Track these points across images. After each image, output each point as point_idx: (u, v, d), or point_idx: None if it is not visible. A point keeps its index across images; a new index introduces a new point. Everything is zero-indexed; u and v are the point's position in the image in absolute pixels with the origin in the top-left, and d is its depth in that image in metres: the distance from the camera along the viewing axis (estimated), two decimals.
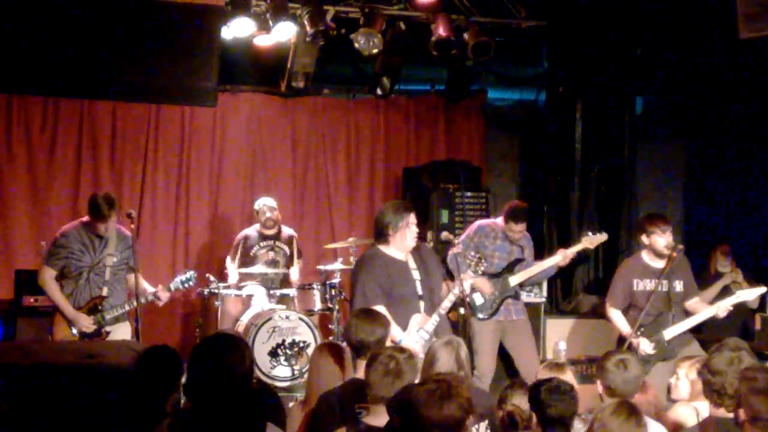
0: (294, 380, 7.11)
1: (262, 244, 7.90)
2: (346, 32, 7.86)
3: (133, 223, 6.15)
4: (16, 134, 8.24)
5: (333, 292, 7.63)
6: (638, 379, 4.18)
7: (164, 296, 6.28)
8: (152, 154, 8.61)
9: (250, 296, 7.54)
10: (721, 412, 3.78)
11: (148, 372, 3.74)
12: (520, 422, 3.92)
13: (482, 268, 5.85)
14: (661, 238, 6.08)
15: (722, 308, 6.00)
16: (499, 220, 6.77)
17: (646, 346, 5.95)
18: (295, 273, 7.85)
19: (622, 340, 6.12)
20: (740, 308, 6.48)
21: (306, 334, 7.19)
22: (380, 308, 5.10)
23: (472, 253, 5.84)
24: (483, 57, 8.16)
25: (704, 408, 4.05)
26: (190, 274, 6.46)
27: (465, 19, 8.20)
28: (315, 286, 7.73)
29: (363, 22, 7.89)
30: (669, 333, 6.02)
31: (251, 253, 7.87)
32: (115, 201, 6.10)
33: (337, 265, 7.70)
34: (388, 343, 4.41)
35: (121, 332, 6.11)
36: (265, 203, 7.94)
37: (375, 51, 7.89)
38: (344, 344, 4.64)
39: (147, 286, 6.29)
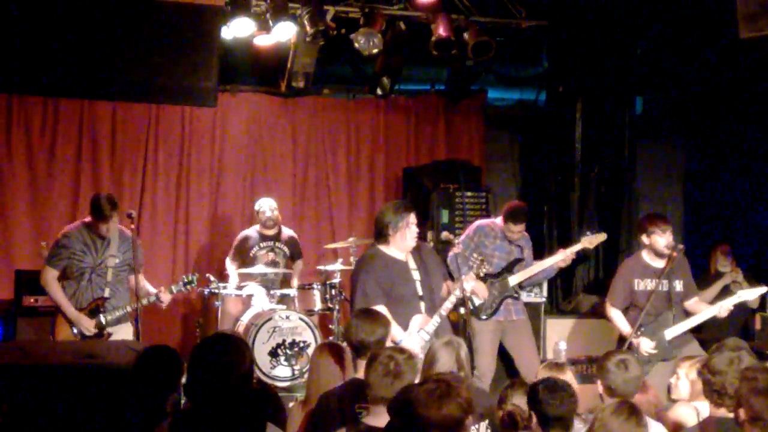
0: (294, 380, 7.11)
1: (262, 244, 7.90)
2: (346, 32, 7.86)
3: (133, 223, 6.14)
4: (16, 134, 8.24)
5: (333, 292, 7.63)
6: (638, 379, 4.19)
7: (166, 298, 6.26)
8: (152, 154, 8.62)
9: (250, 296, 7.54)
10: (722, 412, 3.78)
11: (148, 372, 3.75)
12: (520, 422, 3.92)
13: (485, 271, 5.86)
14: (662, 238, 6.08)
15: (724, 308, 6.01)
16: (499, 220, 6.77)
17: (646, 346, 5.95)
18: (296, 274, 7.88)
19: (622, 339, 6.12)
20: (740, 308, 6.48)
21: (306, 334, 7.19)
22: (381, 308, 5.10)
23: (475, 255, 5.84)
24: (483, 57, 8.16)
25: (704, 408, 4.05)
26: (193, 276, 6.45)
27: (465, 19, 8.20)
28: (315, 286, 7.73)
29: (363, 22, 7.89)
30: (670, 333, 6.03)
31: (251, 254, 7.88)
32: (117, 201, 6.10)
33: (338, 265, 7.70)
34: (389, 344, 4.41)
35: (123, 333, 6.09)
36: (266, 203, 7.95)
37: (375, 51, 7.89)
38: (344, 344, 4.64)
39: (149, 288, 6.28)
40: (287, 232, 8.10)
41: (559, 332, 7.66)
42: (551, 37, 8.83)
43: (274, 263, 7.89)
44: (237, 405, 3.07)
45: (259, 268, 7.69)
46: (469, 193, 8.30)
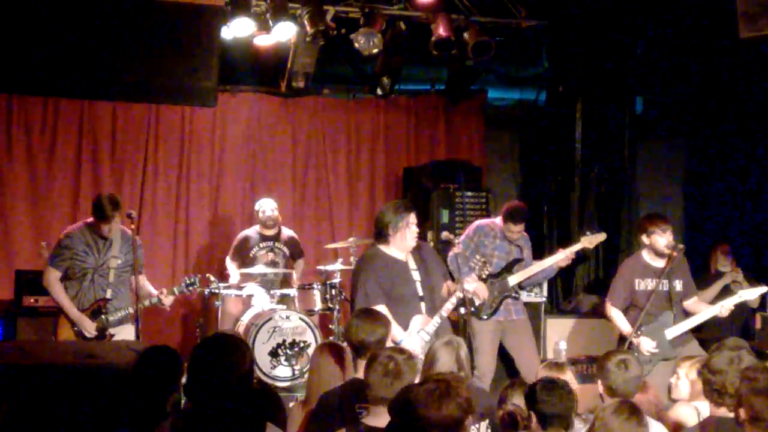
0: (294, 380, 7.10)
1: (261, 245, 7.90)
2: (346, 32, 7.86)
3: (133, 223, 6.12)
4: (16, 134, 8.24)
5: (333, 292, 7.62)
6: (639, 379, 4.19)
7: (168, 300, 6.21)
8: (152, 154, 8.62)
9: (250, 296, 7.53)
10: (722, 412, 3.78)
11: (148, 372, 3.74)
12: (521, 422, 3.92)
13: (487, 272, 5.87)
14: (662, 238, 6.08)
15: (725, 308, 6.01)
16: (498, 220, 6.78)
17: (647, 345, 5.95)
18: (296, 275, 7.88)
19: (622, 339, 6.12)
20: (741, 307, 6.48)
21: (306, 334, 7.19)
22: (381, 308, 5.10)
23: (477, 257, 5.84)
24: (483, 57, 8.16)
25: (705, 408, 4.05)
26: (195, 278, 6.42)
27: (465, 19, 8.20)
28: (315, 286, 7.72)
29: (363, 22, 7.89)
30: (671, 332, 6.03)
31: (251, 254, 7.88)
32: (119, 202, 6.06)
33: (338, 265, 7.70)
34: (389, 344, 4.41)
35: (125, 334, 6.05)
36: (266, 203, 7.96)
37: (375, 51, 7.89)
38: (345, 344, 4.64)
39: (150, 289, 6.25)
40: (287, 232, 8.10)
41: (559, 332, 7.66)
42: (551, 37, 8.83)
43: (273, 263, 7.89)
44: (237, 405, 3.07)
45: (259, 268, 7.69)
46: (469, 193, 8.30)
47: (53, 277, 6.04)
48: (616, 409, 3.43)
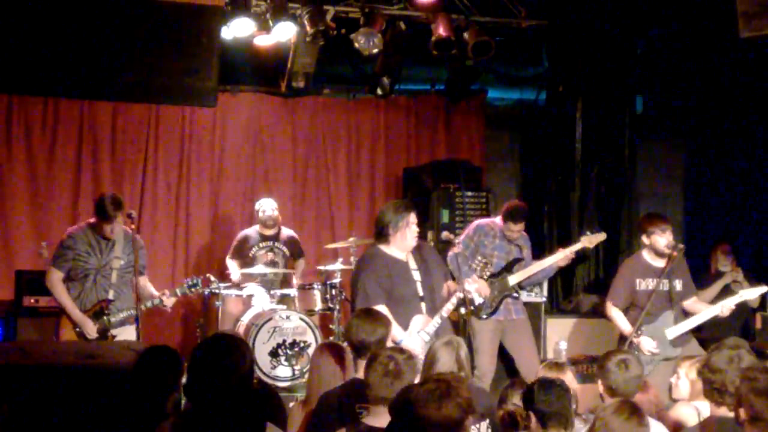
0: (295, 380, 7.10)
1: (261, 245, 7.91)
2: (346, 32, 7.86)
3: (134, 223, 6.11)
4: (16, 134, 8.24)
5: (333, 292, 7.63)
6: (639, 379, 4.19)
7: (169, 302, 6.19)
8: (152, 154, 8.62)
9: (250, 296, 7.53)
10: (722, 411, 3.78)
11: (148, 372, 3.74)
12: (521, 422, 3.92)
13: (488, 273, 5.87)
14: (662, 238, 6.08)
15: (726, 307, 6.02)
16: (498, 220, 6.78)
17: (648, 345, 5.95)
18: (297, 274, 7.88)
19: (623, 339, 6.12)
20: (741, 307, 6.48)
21: (307, 334, 7.19)
22: (381, 308, 5.10)
23: (479, 258, 5.84)
24: (483, 56, 8.16)
25: (705, 408, 4.05)
26: (197, 279, 6.40)
27: (465, 19, 8.20)
28: (315, 286, 7.72)
29: (363, 22, 7.89)
30: (671, 332, 6.03)
31: (250, 254, 7.89)
32: (122, 202, 6.03)
33: (338, 265, 7.70)
34: (389, 344, 4.41)
35: (127, 335, 6.01)
36: (266, 203, 7.98)
37: (375, 51, 7.88)
38: (345, 344, 4.64)
39: (152, 291, 6.22)
40: (287, 232, 8.10)
41: (559, 332, 7.66)
42: (551, 37, 8.82)
43: (273, 263, 7.89)
44: (237, 405, 3.07)
45: (259, 269, 7.69)
46: (469, 193, 8.30)
47: (56, 278, 6.01)
48: (616, 408, 3.43)
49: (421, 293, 5.48)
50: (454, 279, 5.97)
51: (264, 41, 7.80)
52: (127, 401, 3.74)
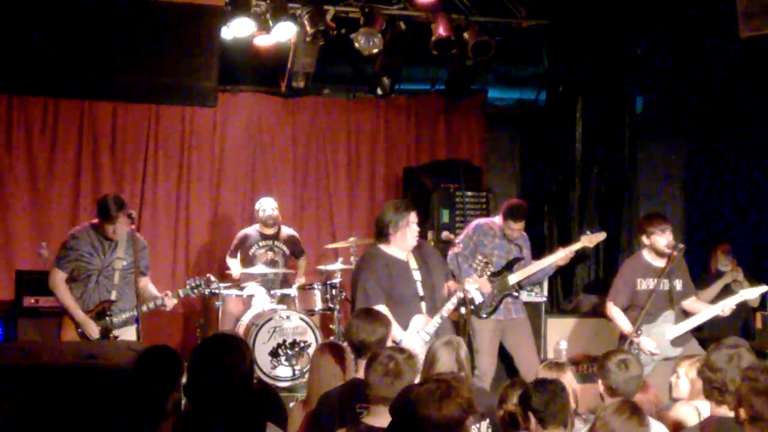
0: (295, 380, 7.11)
1: (261, 243, 7.91)
2: (346, 32, 7.86)
3: (133, 223, 6.08)
4: (17, 135, 8.24)
5: (334, 292, 7.63)
6: (639, 379, 4.19)
7: (170, 303, 6.16)
8: (152, 154, 8.62)
9: (250, 296, 7.54)
10: (723, 411, 3.78)
11: (148, 372, 3.74)
12: (521, 422, 3.92)
13: (489, 273, 5.87)
14: (662, 238, 6.08)
15: (727, 307, 6.02)
16: (497, 219, 6.78)
17: (648, 345, 5.95)
18: (300, 272, 7.88)
19: (623, 339, 6.12)
20: (741, 307, 6.48)
21: (307, 334, 7.19)
22: (381, 308, 5.10)
23: (480, 258, 5.84)
24: (483, 56, 8.16)
25: (705, 407, 4.04)
26: (201, 280, 6.36)
27: (465, 19, 8.20)
28: (316, 286, 7.73)
29: (363, 22, 7.89)
30: (672, 332, 6.03)
31: (250, 253, 7.89)
32: (124, 202, 6.00)
33: (338, 265, 7.71)
34: (389, 344, 4.41)
35: (129, 335, 5.99)
36: (266, 202, 7.98)
37: (375, 51, 7.89)
38: (345, 344, 4.64)
39: (154, 292, 6.20)
40: (286, 231, 8.10)
41: (559, 332, 7.66)
42: (551, 37, 8.82)
43: (273, 262, 7.90)
44: (237, 405, 3.07)
45: (259, 268, 7.70)
46: (469, 193, 8.31)
47: (59, 279, 5.97)
48: (617, 408, 3.43)
49: (421, 293, 5.48)
50: (455, 278, 5.96)
51: (264, 41, 7.81)
52: (127, 401, 3.74)
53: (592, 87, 8.58)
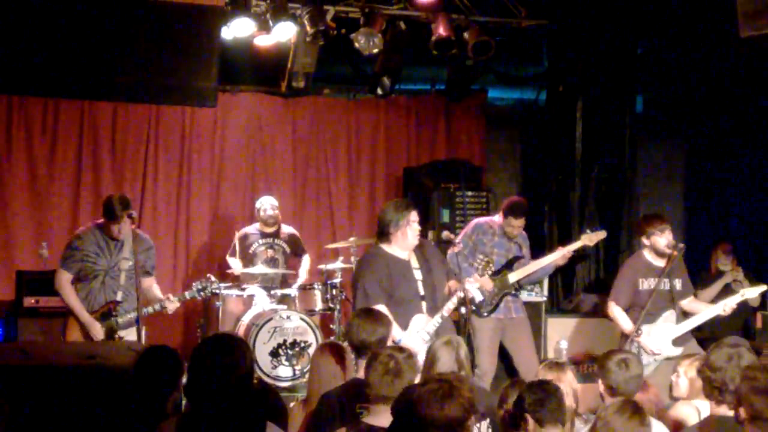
0: (295, 380, 7.12)
1: (261, 241, 7.91)
2: (346, 32, 7.86)
3: (134, 223, 6.06)
4: (17, 135, 8.24)
5: (334, 292, 7.63)
6: (639, 378, 4.19)
7: (171, 307, 6.13)
8: (152, 155, 8.62)
9: (251, 296, 7.54)
10: (723, 410, 3.78)
11: (148, 372, 3.74)
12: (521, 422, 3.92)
13: (490, 272, 5.87)
14: (661, 238, 6.08)
15: (728, 306, 6.02)
16: (497, 218, 6.78)
17: (649, 344, 5.95)
18: (303, 270, 7.87)
19: (624, 338, 6.12)
20: (741, 306, 6.48)
21: (307, 334, 7.20)
22: (382, 307, 5.10)
23: (481, 257, 5.85)
24: (483, 56, 8.15)
25: (705, 407, 4.04)
26: (206, 283, 6.29)
27: (465, 19, 8.20)
28: (316, 286, 7.73)
29: (363, 22, 7.89)
30: (673, 332, 6.03)
31: (250, 251, 7.89)
32: (129, 202, 5.96)
33: (338, 265, 7.71)
34: (389, 343, 4.41)
35: (134, 336, 5.94)
36: (266, 201, 7.99)
37: (375, 51, 7.88)
38: (345, 344, 4.64)
39: (158, 294, 6.18)
40: (287, 229, 8.11)
41: (560, 331, 7.66)
42: (551, 36, 8.83)
43: (273, 260, 7.90)
44: (237, 405, 3.07)
45: (260, 268, 7.70)
46: (469, 193, 8.31)
47: (65, 280, 5.93)
48: (618, 408, 3.43)
49: (422, 292, 5.48)
50: (456, 277, 5.96)
51: (264, 41, 7.80)
52: (127, 401, 3.74)
53: (592, 86, 8.58)
